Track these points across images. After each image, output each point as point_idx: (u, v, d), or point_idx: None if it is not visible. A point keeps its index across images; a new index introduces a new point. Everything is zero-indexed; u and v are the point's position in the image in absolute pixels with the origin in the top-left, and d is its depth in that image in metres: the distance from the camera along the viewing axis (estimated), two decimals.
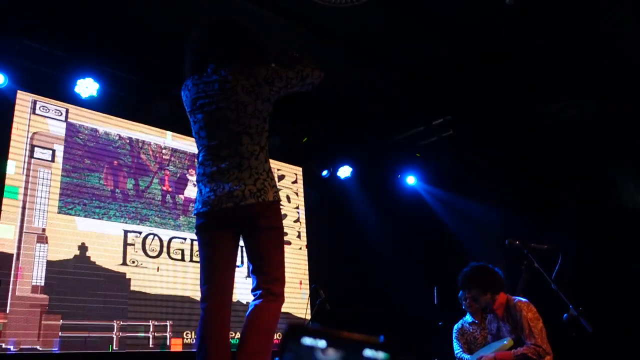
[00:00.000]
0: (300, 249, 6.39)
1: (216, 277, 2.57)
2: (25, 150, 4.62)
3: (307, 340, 0.57)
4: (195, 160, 2.84)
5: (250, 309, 2.55)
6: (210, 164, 2.63)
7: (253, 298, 2.59)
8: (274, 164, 6.45)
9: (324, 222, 6.62)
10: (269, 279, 2.58)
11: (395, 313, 5.73)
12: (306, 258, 6.39)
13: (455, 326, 5.17)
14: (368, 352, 0.62)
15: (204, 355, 2.39)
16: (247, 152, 2.64)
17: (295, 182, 6.65)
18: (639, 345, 4.83)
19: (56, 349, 4.31)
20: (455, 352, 5.06)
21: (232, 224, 2.62)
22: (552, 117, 6.09)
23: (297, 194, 6.60)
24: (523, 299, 3.98)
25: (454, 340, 5.10)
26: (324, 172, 6.88)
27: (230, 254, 2.64)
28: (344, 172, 6.89)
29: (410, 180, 7.06)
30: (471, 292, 4.14)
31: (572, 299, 2.87)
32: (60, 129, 4.88)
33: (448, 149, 6.76)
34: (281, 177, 6.50)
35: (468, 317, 5.17)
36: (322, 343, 0.58)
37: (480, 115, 6.34)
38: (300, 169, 6.76)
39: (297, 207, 6.54)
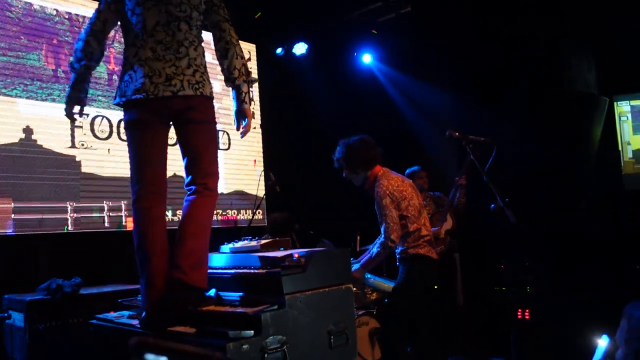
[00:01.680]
0: (255, 128, 6.40)
1: (153, 173, 2.57)
2: None
3: (150, 357, 0.61)
4: (125, 42, 2.66)
5: (186, 205, 2.59)
6: (143, 45, 2.54)
7: (187, 193, 2.61)
8: None
9: (278, 101, 6.58)
10: (204, 173, 2.61)
11: (343, 191, 5.94)
12: (260, 137, 6.43)
13: None
14: None
15: (143, 256, 2.45)
16: (185, 41, 2.60)
17: (248, 60, 6.46)
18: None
19: (11, 231, 4.39)
20: None
21: (167, 114, 2.59)
22: None
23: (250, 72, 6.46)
24: (391, 177, 3.56)
25: None
26: (278, 50, 6.70)
27: (165, 148, 2.64)
28: (299, 49, 6.72)
29: (366, 58, 6.95)
30: (344, 171, 3.68)
31: (500, 190, 3.04)
32: None
33: (405, 27, 6.60)
34: None
35: None
36: (163, 359, 0.61)
37: None
38: (254, 46, 6.56)
39: (251, 87, 6.43)
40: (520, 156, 5.55)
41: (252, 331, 2.11)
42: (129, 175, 2.60)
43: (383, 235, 3.43)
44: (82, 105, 2.69)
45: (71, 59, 2.65)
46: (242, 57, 2.75)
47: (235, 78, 2.70)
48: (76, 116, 2.71)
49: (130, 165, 2.59)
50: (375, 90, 6.86)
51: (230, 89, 2.78)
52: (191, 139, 2.61)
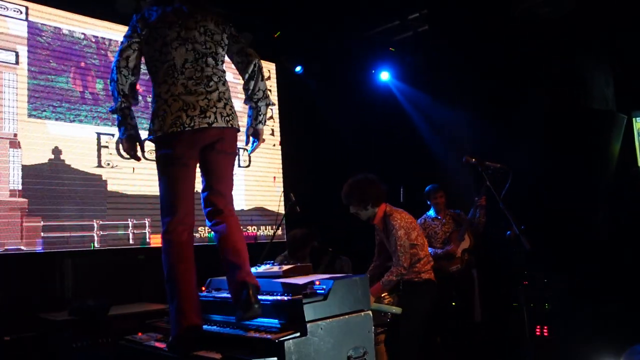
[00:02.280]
0: (274, 145, 6.53)
1: (184, 206, 2.66)
2: None
3: None
4: (153, 79, 2.78)
5: (227, 227, 2.65)
6: (175, 82, 2.67)
7: (213, 220, 2.70)
8: None
9: (297, 118, 6.70)
10: (229, 200, 2.77)
11: None
12: (280, 154, 6.55)
13: (418, 220, 5.50)
14: None
15: (173, 287, 2.54)
16: (214, 76, 2.76)
17: (268, 78, 6.61)
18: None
19: (40, 249, 4.55)
20: None
21: (200, 145, 2.71)
22: (526, 14, 6.01)
23: (270, 90, 6.56)
24: (400, 211, 3.88)
25: None
26: (298, 68, 6.83)
27: (194, 181, 2.75)
28: (318, 67, 6.84)
29: (384, 76, 7.05)
30: (351, 207, 3.92)
31: (516, 217, 3.10)
32: (21, 30, 4.72)
33: (423, 45, 6.68)
34: None
35: (431, 213, 5.50)
36: None
37: (455, 11, 6.21)
38: (274, 65, 6.69)
39: (266, 123, 6.56)
40: (537, 173, 5.59)
41: (275, 358, 2.20)
42: (152, 193, 2.72)
43: (395, 262, 3.70)
44: (139, 141, 2.76)
45: (104, 110, 2.75)
46: (265, 80, 2.94)
47: (259, 99, 2.89)
48: (138, 153, 2.76)
49: (162, 197, 2.69)
50: (393, 107, 6.94)
51: (248, 108, 2.94)
52: (219, 167, 2.75)
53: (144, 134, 2.74)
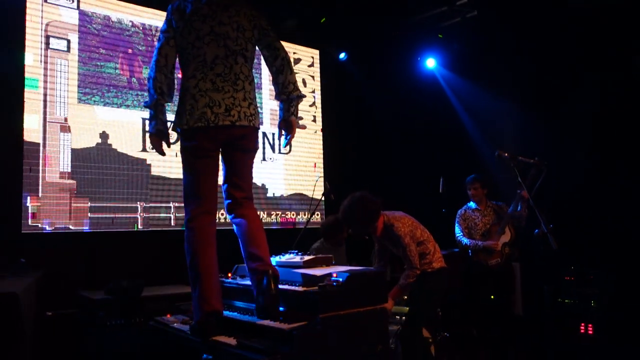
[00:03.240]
0: (315, 132, 6.56)
1: (208, 195, 2.77)
2: (41, 41, 4.72)
3: None
4: (183, 71, 2.84)
5: (247, 217, 2.78)
6: (204, 77, 2.75)
7: (233, 213, 2.82)
8: (290, 47, 6.40)
9: (340, 105, 6.69)
10: (249, 195, 2.88)
11: (400, 200, 5.97)
12: (321, 141, 6.57)
13: (459, 211, 5.42)
14: None
15: (196, 274, 2.64)
16: (241, 74, 2.84)
17: (311, 65, 6.63)
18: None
19: (87, 228, 4.79)
20: (456, 235, 5.37)
21: (222, 141, 2.80)
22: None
23: (313, 77, 6.61)
24: (398, 218, 3.95)
25: (456, 224, 5.39)
26: (342, 55, 6.80)
27: (217, 173, 2.84)
28: (363, 54, 6.78)
29: (430, 63, 6.92)
30: (354, 229, 4.01)
31: (545, 215, 3.01)
32: (73, 18, 4.92)
33: (471, 31, 6.50)
34: (297, 61, 6.47)
35: (472, 204, 5.40)
36: None
37: None
38: (317, 51, 6.69)
39: (313, 91, 6.59)
40: (586, 169, 5.38)
41: (287, 347, 2.25)
42: None
43: (409, 266, 3.81)
44: (166, 139, 2.86)
45: (146, 99, 2.85)
46: (294, 73, 2.96)
47: (290, 92, 2.92)
48: (164, 148, 2.86)
49: (185, 187, 2.80)
50: (437, 96, 6.82)
51: (279, 102, 2.98)
52: (240, 165, 2.86)
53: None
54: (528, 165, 3.47)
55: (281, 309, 2.62)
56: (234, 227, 2.81)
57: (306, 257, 2.90)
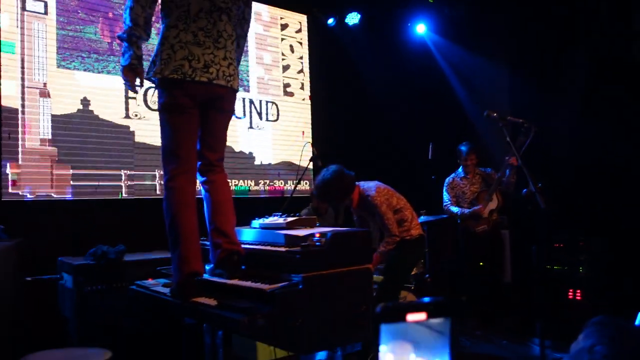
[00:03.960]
0: (304, 99, 6.44)
1: (187, 155, 2.68)
2: (17, 3, 4.56)
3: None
4: (164, 21, 2.71)
5: (215, 182, 2.77)
6: (186, 29, 2.64)
7: (205, 176, 2.79)
8: (277, 12, 6.25)
9: (328, 72, 6.56)
10: (221, 157, 2.85)
11: (389, 166, 5.91)
12: (309, 109, 6.47)
13: (447, 179, 5.38)
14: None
15: (175, 235, 2.58)
16: (225, 32, 2.76)
17: (299, 31, 6.48)
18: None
19: (69, 197, 4.69)
20: (444, 203, 5.34)
21: (200, 99, 2.70)
22: None
23: (300, 43, 6.47)
24: (373, 187, 3.98)
25: (444, 191, 5.35)
26: (330, 20, 6.65)
27: (197, 130, 2.74)
28: (352, 19, 6.64)
29: (420, 28, 6.79)
30: (330, 203, 4.09)
31: (533, 175, 2.95)
32: None
33: None
34: (284, 26, 6.32)
35: (460, 172, 5.35)
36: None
37: None
38: (305, 16, 6.53)
39: (301, 58, 6.45)
40: (578, 133, 5.33)
41: (269, 307, 2.20)
42: None
43: (387, 234, 3.88)
44: (140, 75, 2.69)
45: (120, 31, 2.74)
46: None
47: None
48: (136, 83, 2.71)
49: (164, 146, 2.71)
50: (428, 62, 6.71)
51: None
52: (215, 125, 2.81)
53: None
54: (517, 125, 3.41)
55: (263, 270, 2.58)
56: (202, 191, 2.78)
57: (289, 219, 2.84)
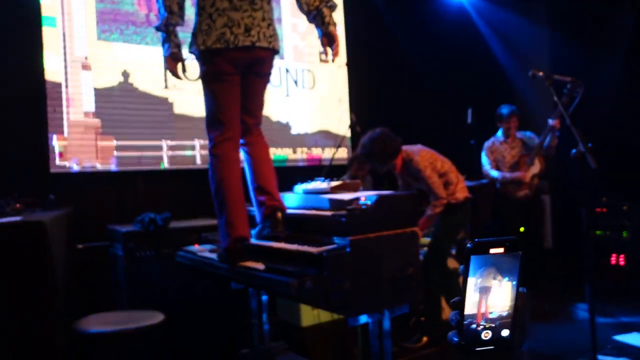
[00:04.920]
0: (340, 67, 6.38)
1: (231, 121, 2.71)
2: None
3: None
4: None
5: (256, 144, 2.83)
6: None
7: (243, 139, 2.83)
8: None
9: (365, 38, 6.47)
10: (259, 120, 2.89)
11: (429, 132, 5.84)
12: (346, 76, 6.41)
13: (486, 143, 5.29)
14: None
15: (221, 200, 2.63)
16: None
17: None
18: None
19: (114, 167, 4.80)
20: (484, 167, 5.26)
21: (242, 64, 2.71)
22: None
23: (334, 10, 6.36)
24: (416, 151, 3.97)
25: (483, 155, 5.26)
26: None
27: (239, 97, 2.76)
28: None
29: None
30: (373, 165, 4.01)
31: (583, 135, 2.88)
32: None
33: None
34: None
35: (500, 135, 5.25)
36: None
37: None
38: None
39: (336, 24, 6.35)
40: (620, 94, 5.16)
41: (316, 269, 2.23)
42: None
43: (434, 197, 3.87)
44: (182, 60, 2.79)
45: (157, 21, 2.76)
46: None
47: (317, 5, 2.80)
48: (180, 72, 2.81)
49: (208, 114, 2.75)
50: (466, 25, 6.54)
51: (314, 24, 2.88)
52: (254, 90, 2.82)
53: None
54: (562, 84, 3.31)
55: (310, 234, 2.61)
56: (243, 153, 2.81)
57: (333, 183, 2.85)
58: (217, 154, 2.68)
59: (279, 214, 2.66)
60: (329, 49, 2.88)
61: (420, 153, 3.97)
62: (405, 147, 4.02)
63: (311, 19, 2.86)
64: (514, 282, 0.86)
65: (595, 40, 5.24)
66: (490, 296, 0.85)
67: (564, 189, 5.51)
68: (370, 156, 3.90)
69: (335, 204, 2.57)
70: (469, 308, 0.85)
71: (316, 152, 6.10)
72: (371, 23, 6.51)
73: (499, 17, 6.23)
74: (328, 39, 2.86)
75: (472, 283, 0.84)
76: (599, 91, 5.02)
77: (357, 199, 2.50)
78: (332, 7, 2.87)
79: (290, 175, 5.48)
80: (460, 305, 0.86)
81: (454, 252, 4.59)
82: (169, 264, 3.34)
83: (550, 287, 5.42)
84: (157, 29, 2.72)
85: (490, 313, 0.86)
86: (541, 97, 5.25)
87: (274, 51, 2.78)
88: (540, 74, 3.25)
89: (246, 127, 2.81)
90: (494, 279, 0.85)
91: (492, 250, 0.84)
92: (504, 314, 0.86)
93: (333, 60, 2.93)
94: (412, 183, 4.11)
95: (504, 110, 5.13)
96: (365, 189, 4.96)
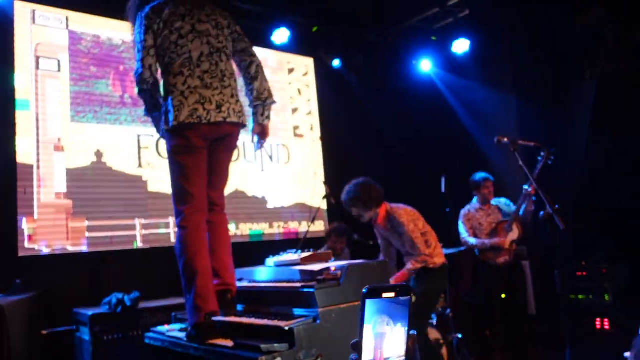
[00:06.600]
0: (314, 141, 6.49)
1: (199, 194, 2.70)
2: (31, 62, 4.70)
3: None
4: (167, 70, 2.80)
5: (215, 222, 2.81)
6: (192, 74, 2.71)
7: (208, 214, 2.82)
8: (284, 56, 6.37)
9: (337, 112, 6.61)
10: (223, 195, 2.90)
11: (403, 201, 5.87)
12: (320, 149, 6.49)
13: (462, 211, 5.31)
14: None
15: (190, 275, 2.58)
16: (227, 71, 2.83)
17: (306, 74, 6.59)
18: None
19: (85, 249, 4.70)
20: (462, 235, 5.25)
21: (212, 139, 2.74)
22: None
23: (308, 86, 6.56)
24: (400, 207, 4.00)
25: (460, 223, 5.27)
26: (336, 62, 6.75)
27: (206, 169, 2.78)
28: (356, 61, 6.74)
29: (426, 65, 6.87)
30: (356, 210, 3.97)
31: (549, 197, 2.91)
32: (62, 38, 4.90)
33: (464, 31, 6.45)
34: (291, 70, 6.43)
35: (475, 203, 5.29)
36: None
37: None
38: (311, 59, 6.65)
39: (309, 100, 6.53)
40: (589, 155, 5.28)
41: (286, 344, 2.14)
42: None
43: (416, 253, 3.82)
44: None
45: (136, 89, 2.82)
46: (267, 81, 2.98)
47: (266, 98, 2.93)
48: (142, 138, 2.92)
49: (176, 187, 2.73)
50: (435, 97, 6.76)
51: (253, 107, 2.98)
52: (220, 162, 2.85)
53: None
54: (529, 149, 3.38)
55: (279, 307, 2.53)
56: None
57: (304, 255, 2.80)
58: (187, 226, 2.64)
59: (229, 296, 2.66)
60: (256, 138, 2.97)
61: (404, 209, 3.99)
62: (389, 203, 4.04)
63: (252, 104, 2.96)
64: (406, 328, 0.93)
65: (560, 106, 5.42)
66: (385, 341, 0.91)
67: (542, 254, 5.50)
68: (355, 200, 3.88)
69: (306, 275, 2.52)
70: (367, 353, 0.91)
71: (293, 225, 6.07)
72: (344, 97, 6.69)
73: (466, 87, 6.46)
74: (261, 131, 2.97)
75: (370, 329, 0.90)
76: (568, 154, 5.14)
77: (328, 269, 2.46)
78: (272, 104, 2.98)
79: (267, 249, 5.40)
80: (358, 347, 0.90)
81: (434, 322, 4.49)
82: (139, 346, 3.20)
83: (537, 354, 5.28)
84: (147, 113, 2.84)
85: (387, 359, 0.92)
86: (513, 164, 5.36)
87: (243, 125, 2.86)
88: (505, 139, 3.32)
89: (210, 202, 2.81)
90: (387, 325, 0.91)
91: (385, 295, 0.90)
92: (400, 359, 0.93)
93: (257, 148, 3.02)
94: (392, 241, 4.07)
95: (478, 177, 5.20)
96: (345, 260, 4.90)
